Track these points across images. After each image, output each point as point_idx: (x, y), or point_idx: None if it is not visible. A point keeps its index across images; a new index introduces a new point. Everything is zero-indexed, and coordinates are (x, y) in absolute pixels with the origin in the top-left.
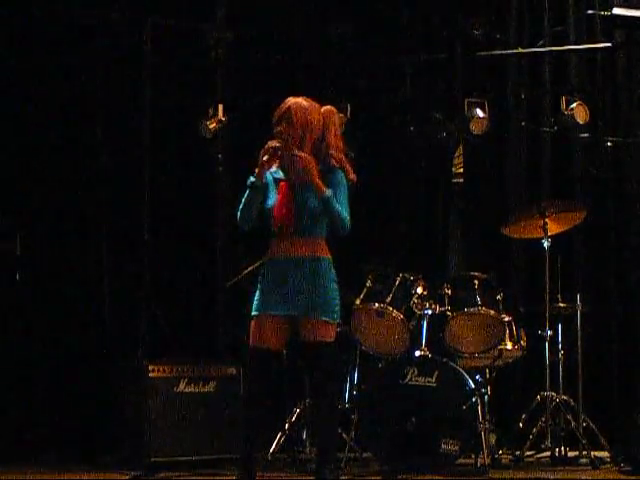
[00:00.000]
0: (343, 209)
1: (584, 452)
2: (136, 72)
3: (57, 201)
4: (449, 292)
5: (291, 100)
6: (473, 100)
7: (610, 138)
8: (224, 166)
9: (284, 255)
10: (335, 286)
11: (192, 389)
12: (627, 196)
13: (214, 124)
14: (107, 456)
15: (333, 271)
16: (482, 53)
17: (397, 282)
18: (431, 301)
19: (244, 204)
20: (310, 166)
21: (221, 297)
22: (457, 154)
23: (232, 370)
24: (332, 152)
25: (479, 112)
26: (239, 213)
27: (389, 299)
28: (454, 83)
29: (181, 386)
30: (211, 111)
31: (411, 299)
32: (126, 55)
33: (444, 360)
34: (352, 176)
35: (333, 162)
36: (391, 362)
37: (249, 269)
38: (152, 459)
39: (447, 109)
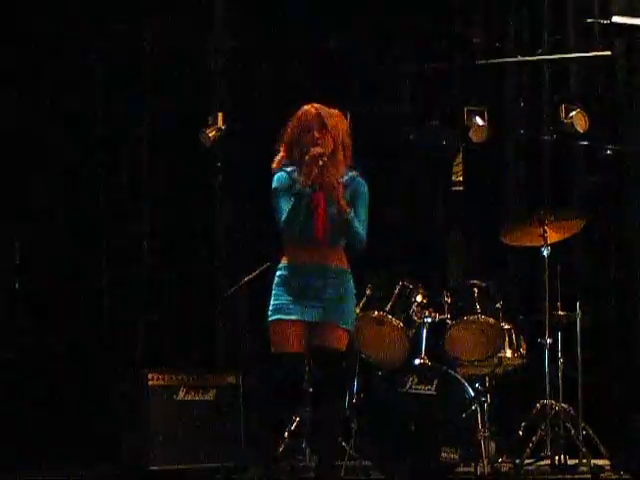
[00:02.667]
0: (361, 226)
1: (584, 460)
2: (136, 80)
3: (56, 209)
4: (449, 300)
5: (314, 106)
6: (472, 108)
7: (609, 146)
8: (223, 175)
9: (310, 262)
10: (354, 297)
11: (191, 397)
12: (626, 204)
13: (214, 133)
14: (106, 464)
15: (352, 283)
16: (481, 61)
17: (397, 290)
18: (431, 309)
19: (292, 212)
20: (338, 187)
21: (220, 306)
22: (456, 162)
23: (231, 378)
24: (349, 153)
25: (478, 120)
26: (287, 222)
27: (389, 307)
28: (453, 91)
29: (180, 394)
30: (211, 120)
31: (411, 307)
32: (126, 63)
33: (444, 368)
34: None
35: (349, 162)
36: (391, 370)
37: (248, 278)
38: (151, 467)
39: (446, 117)
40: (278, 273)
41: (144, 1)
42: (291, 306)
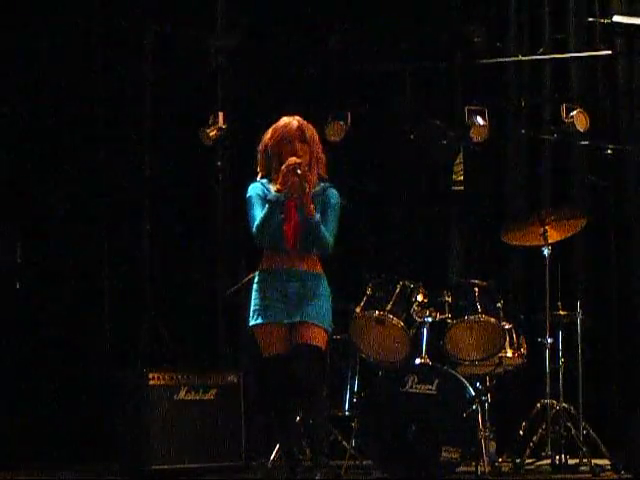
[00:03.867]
0: (329, 232)
1: (584, 460)
2: (137, 80)
3: (58, 210)
4: (449, 299)
5: (295, 118)
6: (473, 108)
7: (610, 146)
8: (224, 174)
9: (285, 268)
10: (330, 302)
11: (192, 397)
12: (627, 203)
13: (214, 132)
14: (107, 464)
15: (328, 288)
16: (482, 61)
17: (397, 290)
18: (431, 308)
19: (264, 220)
20: (309, 193)
21: (221, 305)
22: (457, 162)
23: (232, 378)
24: (322, 163)
25: (479, 120)
26: (258, 229)
27: (389, 307)
28: (454, 91)
29: (181, 394)
30: (212, 119)
31: (411, 307)
32: (127, 63)
33: (444, 368)
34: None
35: (322, 172)
36: (391, 370)
37: (249, 277)
38: (152, 467)
39: (447, 117)
40: (255, 279)
41: (145, 1)
42: (269, 309)
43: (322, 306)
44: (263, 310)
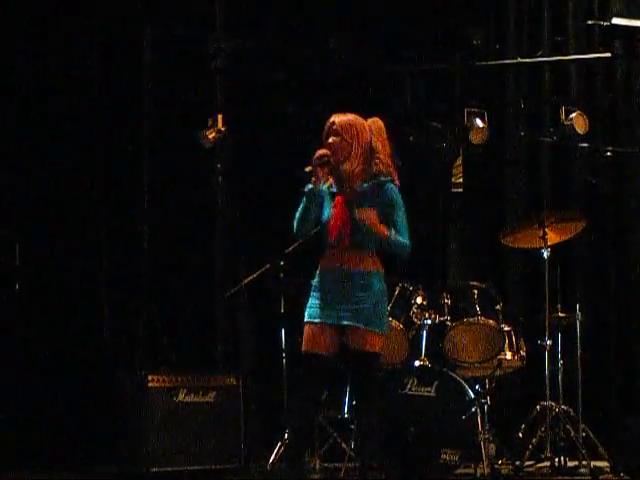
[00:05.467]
0: (402, 235)
1: (584, 462)
2: (135, 81)
3: (56, 211)
4: (448, 302)
5: (337, 115)
6: (472, 110)
7: (609, 148)
8: (223, 176)
9: (337, 267)
10: (384, 299)
11: (191, 399)
12: (626, 205)
13: (213, 134)
14: (107, 466)
15: (384, 285)
16: (481, 63)
17: (396, 292)
18: (431, 311)
19: (301, 213)
20: (372, 221)
21: (220, 307)
22: (456, 164)
23: (231, 380)
24: (380, 157)
25: (478, 122)
26: (295, 222)
27: (388, 309)
28: (453, 93)
29: (180, 396)
30: (210, 121)
31: (410, 309)
32: (125, 64)
33: (444, 370)
34: (396, 182)
35: (380, 167)
36: (391, 372)
37: (248, 279)
38: (152, 469)
39: (446, 119)
40: (315, 279)
41: (143, 2)
42: (320, 310)
43: (374, 307)
44: (315, 310)
